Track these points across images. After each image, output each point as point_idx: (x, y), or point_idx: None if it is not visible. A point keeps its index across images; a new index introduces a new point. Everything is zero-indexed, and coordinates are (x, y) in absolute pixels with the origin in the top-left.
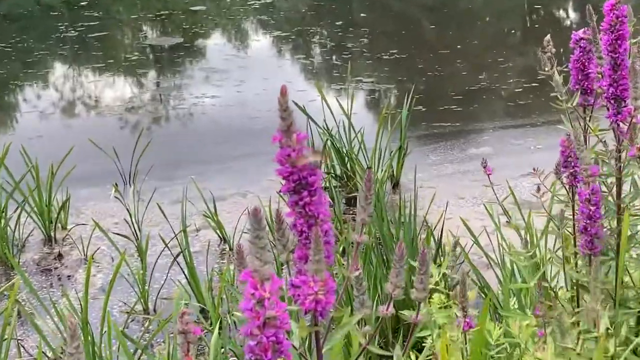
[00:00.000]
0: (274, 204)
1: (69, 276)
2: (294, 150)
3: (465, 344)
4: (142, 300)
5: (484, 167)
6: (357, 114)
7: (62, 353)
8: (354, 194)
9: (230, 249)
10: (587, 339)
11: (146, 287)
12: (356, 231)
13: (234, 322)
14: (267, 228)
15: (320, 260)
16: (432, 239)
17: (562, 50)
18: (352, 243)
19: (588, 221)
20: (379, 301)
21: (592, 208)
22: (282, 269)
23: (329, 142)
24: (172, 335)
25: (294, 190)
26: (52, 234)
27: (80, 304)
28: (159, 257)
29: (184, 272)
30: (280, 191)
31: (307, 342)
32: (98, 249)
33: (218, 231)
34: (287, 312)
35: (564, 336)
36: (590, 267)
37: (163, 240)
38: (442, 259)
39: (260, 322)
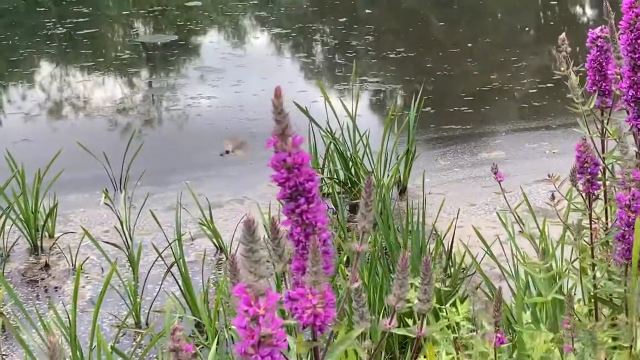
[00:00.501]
0: (274, 211)
1: (56, 287)
2: (290, 154)
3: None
4: (133, 314)
5: (495, 173)
6: (361, 116)
7: None
8: (358, 201)
9: (228, 259)
10: (621, 356)
11: (138, 300)
12: (357, 240)
13: (232, 337)
14: (266, 237)
15: (319, 271)
16: (441, 248)
17: (578, 49)
18: (355, 253)
19: (626, 229)
20: (385, 314)
21: (632, 215)
22: (282, 281)
23: (332, 146)
24: (165, 350)
25: (290, 197)
26: (39, 242)
27: (69, 317)
28: (151, 267)
29: (178, 283)
30: (279, 198)
31: (306, 358)
32: (87, 258)
33: (214, 240)
34: (283, 329)
35: (595, 351)
36: (626, 278)
37: (156, 250)
38: (452, 270)
39: (254, 340)
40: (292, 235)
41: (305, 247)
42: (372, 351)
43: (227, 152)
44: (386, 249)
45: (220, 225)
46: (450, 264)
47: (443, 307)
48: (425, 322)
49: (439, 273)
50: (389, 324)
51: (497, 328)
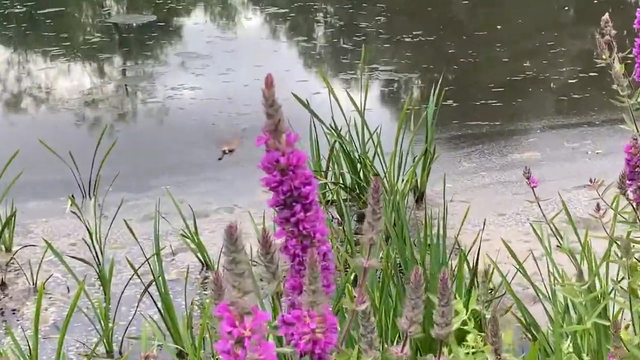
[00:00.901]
0: (269, 222)
1: (14, 310)
2: (283, 154)
3: None
4: (105, 341)
5: (528, 178)
6: (372, 110)
7: None
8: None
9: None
10: None
11: (110, 324)
12: (363, 254)
13: None
14: (258, 252)
15: (318, 290)
16: (465, 265)
17: (625, 32)
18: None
19: None
20: (400, 342)
21: None
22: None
23: (337, 145)
24: None
25: (284, 204)
26: None
27: (29, 345)
28: (126, 286)
29: (156, 305)
30: (271, 205)
31: None
32: (50, 276)
33: (199, 255)
34: (275, 354)
35: None
36: None
37: (131, 266)
38: (478, 291)
39: None
40: (286, 248)
41: (302, 262)
42: None
43: (225, 152)
44: (401, 266)
45: (206, 237)
46: (476, 284)
47: (481, 334)
48: (444, 350)
49: (481, 294)
50: (401, 351)
51: (498, 357)
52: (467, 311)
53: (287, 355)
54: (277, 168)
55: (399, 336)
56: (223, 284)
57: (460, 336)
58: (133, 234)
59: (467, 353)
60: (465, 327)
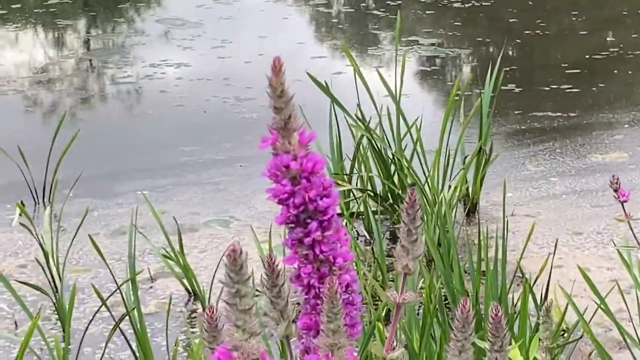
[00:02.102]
0: (277, 240)
1: None
2: (295, 158)
3: None
4: None
5: (615, 190)
6: (409, 97)
7: None
8: None
9: (205, 310)
10: None
11: None
12: (397, 286)
13: None
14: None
15: (338, 330)
16: (530, 297)
17: None
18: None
19: None
20: None
21: None
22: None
23: (365, 140)
24: None
25: (296, 221)
26: None
27: None
28: (90, 321)
29: (130, 346)
30: (279, 223)
31: None
32: None
33: (185, 281)
34: None
35: None
36: None
37: (98, 295)
38: (547, 334)
39: None
40: (299, 277)
41: (319, 295)
42: None
43: None
44: (447, 300)
45: (194, 259)
46: (543, 321)
47: None
48: None
49: (544, 338)
50: None
51: None
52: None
53: None
54: (288, 175)
55: None
56: (219, 323)
57: None
58: (100, 254)
59: None
60: None
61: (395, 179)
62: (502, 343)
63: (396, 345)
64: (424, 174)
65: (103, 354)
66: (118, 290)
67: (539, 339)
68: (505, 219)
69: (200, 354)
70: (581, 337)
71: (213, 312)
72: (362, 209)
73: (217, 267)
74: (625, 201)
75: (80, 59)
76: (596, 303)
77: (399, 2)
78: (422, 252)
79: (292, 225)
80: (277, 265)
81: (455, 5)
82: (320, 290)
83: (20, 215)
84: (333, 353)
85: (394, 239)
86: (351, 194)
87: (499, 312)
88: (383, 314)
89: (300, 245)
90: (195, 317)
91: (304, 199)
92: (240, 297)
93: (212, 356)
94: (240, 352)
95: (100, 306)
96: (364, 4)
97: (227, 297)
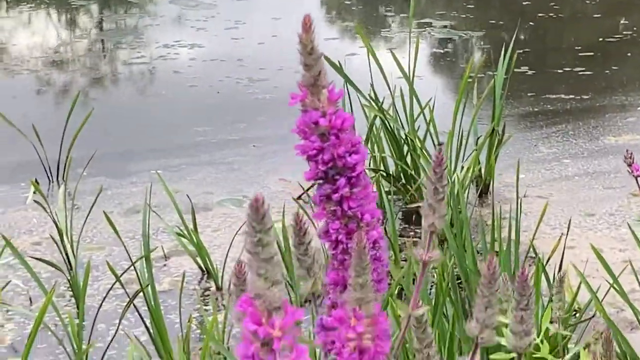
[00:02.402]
0: (289, 218)
1: None
2: (324, 114)
3: None
4: None
5: (629, 165)
6: (423, 78)
7: None
8: (416, 205)
9: (219, 288)
10: None
11: (84, 346)
12: (422, 245)
13: None
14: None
15: (366, 284)
16: (543, 277)
17: None
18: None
19: None
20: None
21: None
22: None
23: (378, 121)
24: None
25: (324, 177)
26: None
27: None
28: (105, 298)
29: (144, 322)
30: (308, 179)
31: None
32: (7, 283)
33: (198, 259)
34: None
35: None
36: None
37: (113, 272)
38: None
39: None
40: (327, 233)
41: (347, 250)
42: None
43: None
44: (459, 279)
45: (208, 237)
46: (555, 301)
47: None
48: None
49: (557, 308)
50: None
51: None
52: (539, 331)
53: None
54: (317, 132)
55: None
56: (247, 276)
57: None
58: (115, 230)
59: None
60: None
61: (408, 159)
62: (528, 301)
63: (421, 304)
64: None
65: (117, 330)
66: (132, 268)
67: (552, 311)
68: (519, 200)
69: (212, 329)
70: (593, 317)
71: (242, 267)
72: (374, 189)
73: (230, 245)
74: (639, 176)
75: (94, 40)
76: (609, 282)
77: None
78: (446, 212)
79: (321, 181)
80: (304, 225)
81: None
82: (348, 245)
83: (34, 193)
84: (360, 307)
85: (406, 219)
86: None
87: (525, 273)
88: (396, 292)
89: (329, 201)
90: (208, 295)
91: (332, 156)
92: (262, 246)
93: (237, 304)
94: (262, 301)
95: (115, 283)
96: None
97: (250, 246)
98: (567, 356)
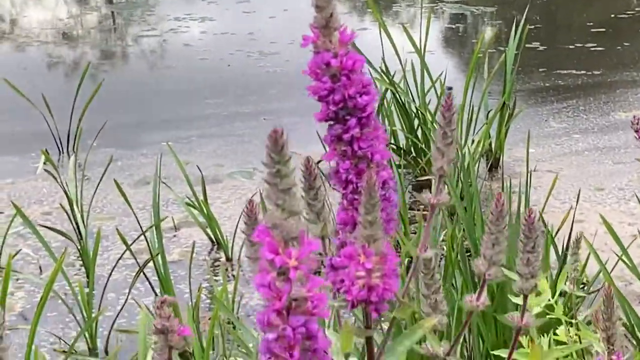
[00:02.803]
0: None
1: None
2: (336, 55)
3: None
4: (87, 335)
5: (636, 131)
6: (434, 53)
7: None
8: (427, 177)
9: (228, 259)
10: None
11: (94, 314)
12: (431, 190)
13: None
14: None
15: (376, 222)
16: (552, 249)
17: None
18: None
19: None
20: (463, 348)
21: None
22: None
23: (389, 94)
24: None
25: (335, 117)
26: None
27: None
28: (114, 267)
29: (154, 291)
30: (319, 119)
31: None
32: (18, 252)
33: (208, 231)
34: (324, 291)
35: None
36: None
37: (123, 240)
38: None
39: (282, 304)
40: (337, 173)
41: (357, 190)
42: (452, 344)
43: None
44: (469, 251)
45: (218, 209)
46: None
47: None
48: (526, 306)
49: (570, 269)
50: (477, 300)
51: (611, 347)
52: (554, 293)
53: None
54: (328, 73)
55: (467, 340)
56: (259, 216)
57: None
58: (126, 200)
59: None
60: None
61: (419, 133)
62: (535, 244)
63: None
64: None
65: (126, 299)
66: (142, 238)
67: (568, 272)
68: (528, 175)
69: (222, 298)
70: (601, 288)
71: (253, 206)
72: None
73: (240, 217)
74: None
75: (104, 13)
76: (617, 255)
77: None
78: (454, 156)
79: (332, 122)
80: (314, 169)
81: None
82: (358, 185)
83: (44, 163)
84: (369, 245)
85: (416, 192)
86: None
87: (532, 215)
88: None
89: (339, 142)
90: (218, 266)
91: (343, 96)
92: (281, 177)
93: (255, 233)
94: (279, 231)
95: (125, 251)
96: None
97: (268, 177)
98: (580, 317)
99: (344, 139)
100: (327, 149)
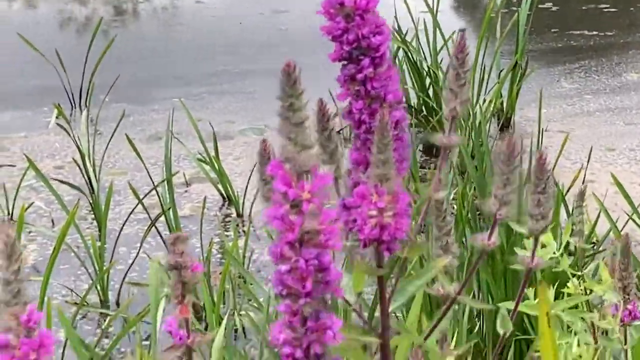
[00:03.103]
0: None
1: None
2: None
3: (625, 343)
4: (98, 287)
5: None
6: (445, 13)
7: None
8: (438, 136)
9: (239, 215)
10: None
11: (105, 266)
12: (444, 131)
13: (243, 328)
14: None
15: (389, 161)
16: (562, 208)
17: None
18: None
19: None
20: (472, 317)
21: None
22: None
23: (401, 53)
24: (146, 342)
25: (348, 57)
26: None
27: None
28: (126, 221)
29: (165, 245)
30: (333, 59)
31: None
32: (30, 205)
33: (219, 186)
34: (336, 224)
35: None
36: None
37: (135, 193)
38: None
39: (295, 236)
40: (350, 113)
41: (370, 130)
42: (462, 284)
43: None
44: (479, 211)
45: (229, 165)
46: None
47: (580, 272)
48: (539, 247)
49: (578, 222)
50: (488, 239)
51: (627, 297)
52: (560, 245)
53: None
54: (342, 13)
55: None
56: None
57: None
58: (138, 154)
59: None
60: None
61: (430, 91)
62: (545, 185)
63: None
64: None
65: (138, 253)
66: (153, 193)
67: (571, 223)
68: (540, 134)
69: (233, 252)
70: (610, 245)
71: (267, 145)
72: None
73: (251, 173)
74: None
75: None
76: (628, 215)
77: None
78: (467, 98)
79: (345, 62)
80: (327, 111)
81: None
82: (371, 125)
83: (57, 117)
84: (382, 184)
85: (427, 151)
86: None
87: (542, 155)
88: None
89: (352, 81)
90: (229, 222)
91: (357, 36)
92: (293, 111)
93: (269, 166)
94: (292, 164)
95: (137, 205)
96: None
97: (281, 110)
98: (587, 269)
99: (358, 78)
100: (340, 89)
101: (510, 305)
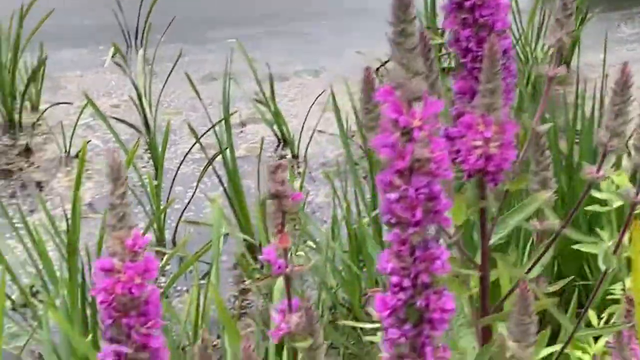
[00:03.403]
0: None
1: (40, 183)
2: None
3: None
4: (155, 226)
5: None
6: None
7: (33, 293)
8: None
9: (294, 156)
10: None
11: (162, 206)
12: (549, 62)
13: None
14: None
15: (497, 90)
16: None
17: None
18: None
19: None
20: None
21: None
22: None
23: None
24: (202, 281)
25: None
26: (16, 116)
27: (68, 222)
28: (182, 161)
29: (223, 185)
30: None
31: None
32: (88, 142)
33: (275, 127)
34: (445, 154)
35: None
36: None
37: (193, 132)
38: None
39: (405, 164)
40: (457, 41)
41: (476, 58)
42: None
43: None
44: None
45: (284, 106)
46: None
47: None
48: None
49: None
50: (597, 171)
51: None
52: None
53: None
54: None
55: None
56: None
57: None
58: (197, 92)
59: None
60: None
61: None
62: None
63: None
64: (517, 32)
65: (194, 192)
66: (209, 133)
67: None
68: (604, 78)
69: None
70: None
71: (369, 75)
72: (452, 64)
73: (307, 115)
74: None
75: None
76: None
77: None
78: (574, 28)
79: None
80: (426, 37)
81: None
82: (478, 53)
83: (113, 55)
84: (489, 113)
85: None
86: (442, 49)
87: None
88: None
89: (460, 9)
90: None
91: None
92: (406, 36)
93: (378, 93)
94: (403, 90)
95: (194, 144)
96: None
97: (393, 36)
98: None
99: (465, 6)
100: (447, 16)
101: (593, 247)
